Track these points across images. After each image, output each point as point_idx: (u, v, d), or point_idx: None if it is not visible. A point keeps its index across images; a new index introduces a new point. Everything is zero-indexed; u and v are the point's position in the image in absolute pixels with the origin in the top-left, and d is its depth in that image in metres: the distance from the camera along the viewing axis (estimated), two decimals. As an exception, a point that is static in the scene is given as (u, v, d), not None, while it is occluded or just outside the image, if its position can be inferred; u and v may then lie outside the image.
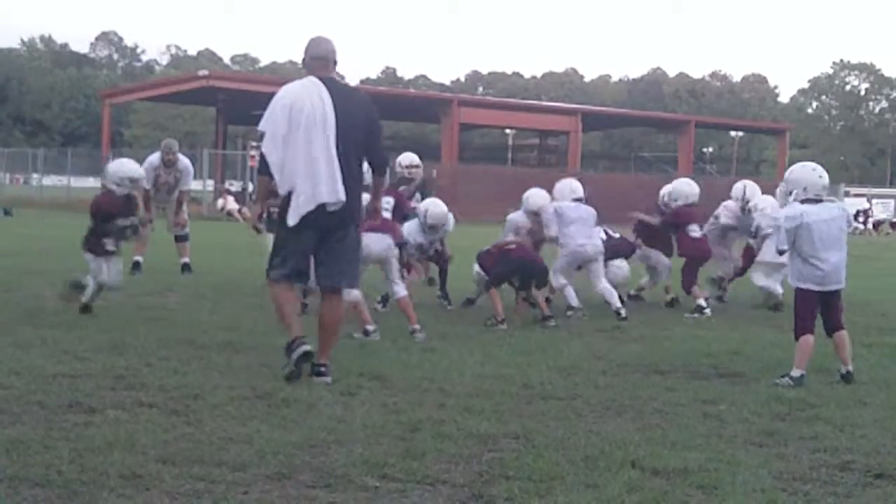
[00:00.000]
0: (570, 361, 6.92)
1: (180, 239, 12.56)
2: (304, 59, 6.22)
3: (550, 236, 9.96)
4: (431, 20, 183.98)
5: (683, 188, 10.86)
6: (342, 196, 5.90)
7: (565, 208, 9.93)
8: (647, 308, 10.36)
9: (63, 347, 6.73)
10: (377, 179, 6.45)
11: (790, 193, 6.70)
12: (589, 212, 10.00)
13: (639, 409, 5.51)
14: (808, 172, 6.67)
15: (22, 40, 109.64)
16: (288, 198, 5.98)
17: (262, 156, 6.06)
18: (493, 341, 7.77)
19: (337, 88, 6.08)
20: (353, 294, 7.20)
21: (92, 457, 4.17)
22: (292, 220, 5.92)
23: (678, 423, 5.21)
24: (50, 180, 47.28)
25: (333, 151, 5.90)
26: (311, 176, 5.87)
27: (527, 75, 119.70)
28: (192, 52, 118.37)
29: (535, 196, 10.16)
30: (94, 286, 8.41)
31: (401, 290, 8.22)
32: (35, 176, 48.58)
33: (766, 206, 10.58)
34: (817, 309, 6.58)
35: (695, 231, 10.48)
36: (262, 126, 6.03)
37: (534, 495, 3.91)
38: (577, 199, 10.06)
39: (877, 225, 41.40)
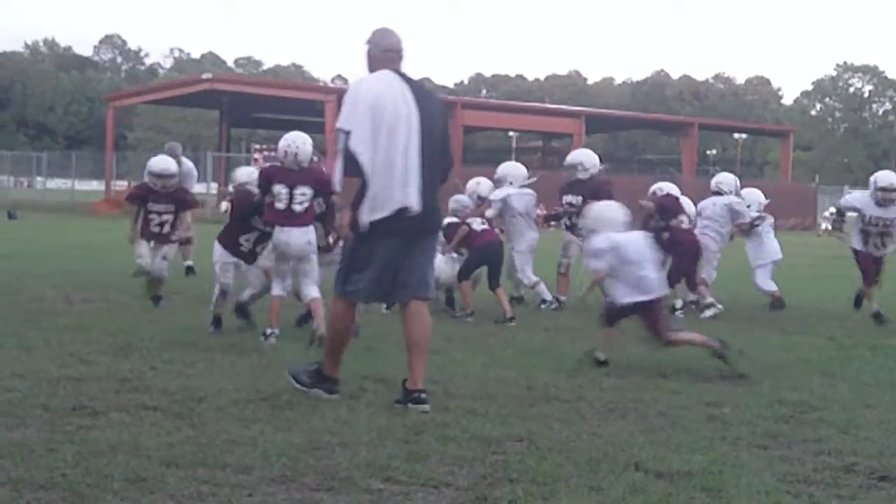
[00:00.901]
0: (573, 363, 6.92)
1: (184, 242, 12.57)
2: (369, 52, 5.79)
3: (492, 217, 10.19)
4: (435, 23, 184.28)
5: (669, 183, 11.15)
6: (416, 203, 5.49)
7: (514, 198, 10.28)
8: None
9: (67, 350, 6.75)
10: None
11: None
12: (533, 198, 10.46)
13: (642, 412, 5.51)
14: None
15: (25, 43, 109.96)
16: (363, 200, 5.48)
17: (347, 156, 5.43)
18: (496, 343, 7.78)
19: (418, 89, 5.66)
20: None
21: (96, 460, 4.17)
22: (367, 221, 5.47)
23: (682, 426, 5.20)
24: (54, 183, 47.51)
25: (416, 155, 5.53)
26: (391, 179, 5.46)
27: (530, 78, 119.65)
28: (196, 55, 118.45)
29: (486, 184, 10.46)
30: (250, 293, 8.15)
31: (313, 291, 7.62)
32: (39, 179, 48.72)
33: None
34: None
35: (684, 223, 10.47)
36: (345, 124, 5.49)
37: (538, 498, 3.91)
38: (523, 186, 10.48)
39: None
